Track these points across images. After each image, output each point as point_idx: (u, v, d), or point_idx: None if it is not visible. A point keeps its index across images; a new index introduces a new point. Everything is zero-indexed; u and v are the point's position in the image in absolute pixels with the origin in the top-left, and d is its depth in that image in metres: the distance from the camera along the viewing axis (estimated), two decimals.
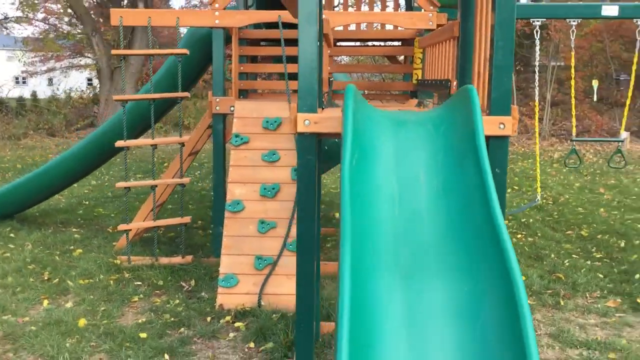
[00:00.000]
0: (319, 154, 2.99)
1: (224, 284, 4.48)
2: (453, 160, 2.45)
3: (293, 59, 5.00)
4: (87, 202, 8.26)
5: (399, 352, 1.85)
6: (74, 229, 6.73)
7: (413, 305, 1.94)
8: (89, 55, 24.68)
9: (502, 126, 2.73)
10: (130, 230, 5.37)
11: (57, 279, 5.02)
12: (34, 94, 20.38)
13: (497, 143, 2.74)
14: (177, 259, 5.34)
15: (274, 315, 4.23)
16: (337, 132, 2.87)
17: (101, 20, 15.74)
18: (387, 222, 2.23)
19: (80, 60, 31.11)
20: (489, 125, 2.68)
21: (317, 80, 2.83)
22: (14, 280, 4.98)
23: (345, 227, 2.01)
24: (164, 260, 5.32)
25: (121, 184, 5.23)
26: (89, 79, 38.32)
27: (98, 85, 20.08)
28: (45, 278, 5.09)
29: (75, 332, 3.98)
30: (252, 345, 3.87)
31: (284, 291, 4.45)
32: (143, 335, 3.95)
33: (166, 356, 3.68)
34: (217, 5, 5.01)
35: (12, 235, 6.41)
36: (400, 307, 1.93)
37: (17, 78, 32.31)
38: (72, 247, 5.97)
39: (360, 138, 2.44)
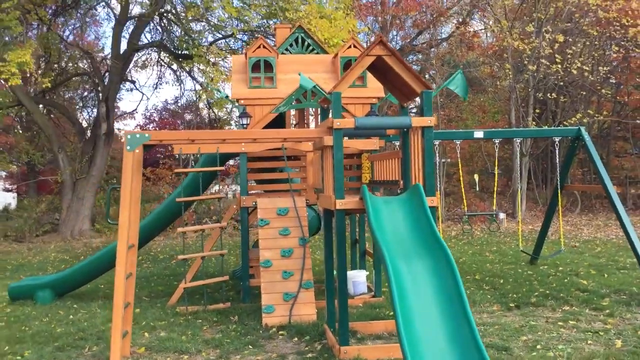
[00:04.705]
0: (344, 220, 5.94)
1: (266, 311, 7.16)
2: (414, 217, 5.47)
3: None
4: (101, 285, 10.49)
5: (409, 289, 4.74)
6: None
7: (411, 270, 4.86)
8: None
9: (432, 201, 5.81)
10: (185, 287, 7.90)
11: (144, 322, 7.44)
12: None
13: (431, 210, 5.80)
14: (219, 305, 7.91)
15: (302, 325, 6.95)
16: (355, 208, 5.85)
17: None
18: (391, 240, 5.18)
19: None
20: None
21: (343, 183, 5.82)
22: None
23: (381, 242, 4.94)
24: (211, 306, 7.87)
25: (182, 257, 7.80)
26: None
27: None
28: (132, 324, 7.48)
29: (187, 341, 6.48)
30: (296, 339, 6.56)
31: (303, 312, 7.20)
32: (228, 340, 6.53)
33: (250, 346, 6.30)
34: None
35: (75, 306, 8.66)
36: (406, 271, 4.85)
37: None
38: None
39: (374, 209, 5.44)
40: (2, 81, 22.54)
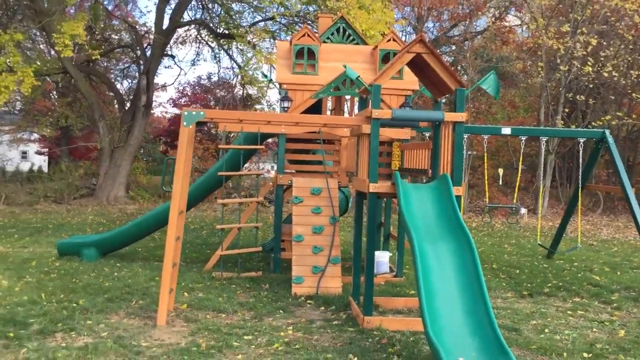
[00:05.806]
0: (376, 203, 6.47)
1: (296, 281, 7.75)
2: (441, 204, 5.98)
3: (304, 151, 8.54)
4: (139, 249, 11.20)
5: (434, 268, 5.27)
6: (155, 263, 9.73)
7: (435, 251, 5.39)
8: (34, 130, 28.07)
9: (458, 191, 6.31)
10: (222, 254, 8.53)
11: (182, 284, 8.08)
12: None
13: (456, 198, 6.31)
14: (252, 274, 8.54)
15: (329, 296, 7.54)
16: (386, 192, 6.38)
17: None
18: (419, 223, 5.72)
19: (23, 135, 33.33)
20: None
21: (377, 169, 6.34)
22: (156, 284, 8.00)
23: (410, 225, 5.48)
24: (244, 274, 8.50)
25: (220, 227, 8.41)
26: (24, 152, 40.40)
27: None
28: None
29: (224, 302, 7.11)
30: (322, 308, 7.15)
31: (330, 285, 7.78)
32: (260, 304, 7.14)
33: (281, 311, 6.90)
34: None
35: (118, 265, 9.36)
36: (432, 252, 5.38)
37: None
38: None
39: (405, 194, 5.96)
40: (41, 47, 23.43)
